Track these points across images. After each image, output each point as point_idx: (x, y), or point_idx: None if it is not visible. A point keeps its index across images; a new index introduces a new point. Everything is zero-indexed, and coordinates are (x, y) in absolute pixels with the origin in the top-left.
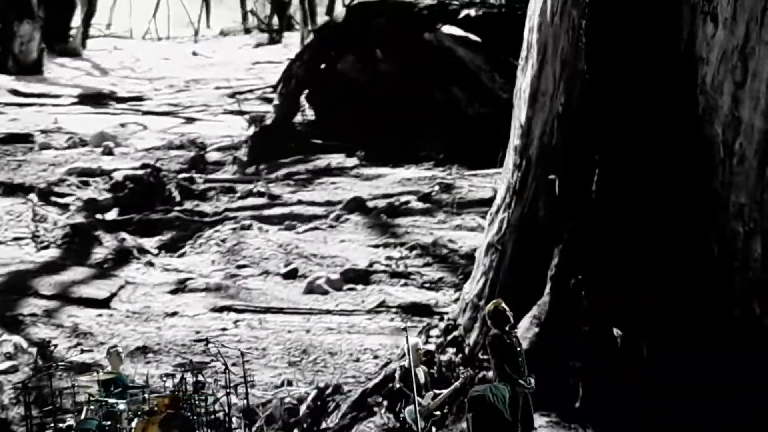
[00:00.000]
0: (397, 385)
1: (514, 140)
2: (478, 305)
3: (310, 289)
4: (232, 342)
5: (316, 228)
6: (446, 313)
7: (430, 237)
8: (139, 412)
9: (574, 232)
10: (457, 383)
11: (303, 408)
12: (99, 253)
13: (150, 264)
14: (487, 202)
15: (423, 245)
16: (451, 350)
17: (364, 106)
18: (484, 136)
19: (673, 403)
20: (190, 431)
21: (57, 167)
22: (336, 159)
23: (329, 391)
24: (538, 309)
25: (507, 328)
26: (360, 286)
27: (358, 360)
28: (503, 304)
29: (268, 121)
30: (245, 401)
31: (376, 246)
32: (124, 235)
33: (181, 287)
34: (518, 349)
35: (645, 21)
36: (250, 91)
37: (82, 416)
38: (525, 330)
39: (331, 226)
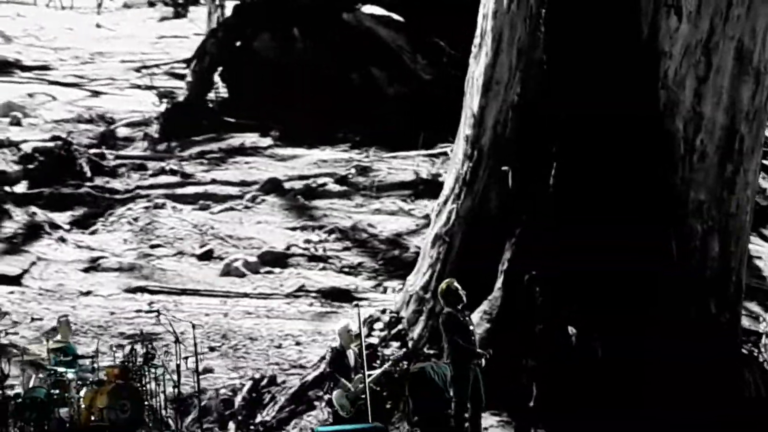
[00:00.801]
0: (328, 369)
1: (465, 130)
2: (423, 298)
3: (227, 272)
4: (148, 324)
5: (231, 209)
6: (366, 299)
7: (348, 221)
8: (89, 382)
9: (529, 226)
10: (386, 365)
11: (238, 400)
12: (8, 227)
13: (62, 240)
14: (407, 186)
15: (342, 229)
16: (395, 344)
17: (280, 85)
18: (403, 118)
19: (627, 401)
20: (140, 402)
21: None
22: (250, 138)
23: (264, 382)
24: (489, 304)
25: (459, 307)
26: (277, 270)
27: (279, 346)
28: (455, 283)
29: (180, 98)
30: (176, 390)
31: (294, 229)
32: (34, 209)
33: (93, 266)
34: (471, 328)
35: (606, 12)
36: (156, 65)
37: (30, 384)
38: (475, 326)
39: (247, 207)
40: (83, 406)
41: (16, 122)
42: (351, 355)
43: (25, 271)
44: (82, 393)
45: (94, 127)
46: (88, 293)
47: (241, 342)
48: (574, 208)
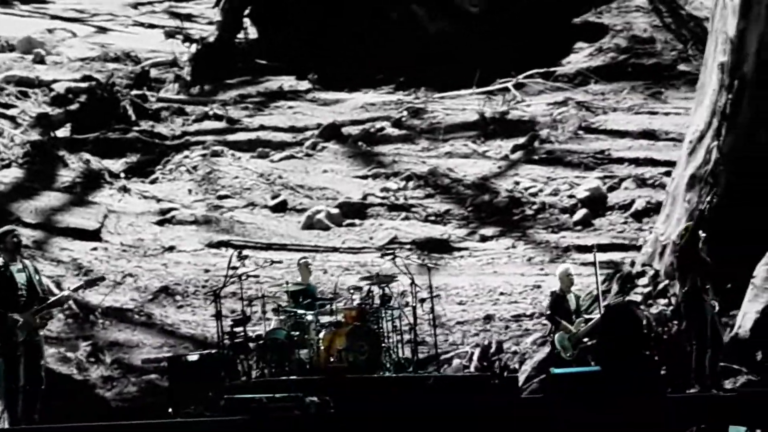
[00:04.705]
0: (547, 312)
1: (718, 57)
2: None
3: (310, 224)
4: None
5: (292, 156)
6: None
7: (423, 166)
8: (327, 324)
9: None
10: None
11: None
12: (65, 176)
13: (125, 190)
14: (473, 126)
15: (420, 175)
16: (662, 302)
17: (313, 25)
18: (447, 56)
19: None
20: (377, 343)
21: None
22: (287, 81)
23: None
24: None
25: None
26: (358, 221)
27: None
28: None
29: (211, 39)
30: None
31: (365, 177)
32: (87, 155)
33: (167, 218)
34: None
35: None
36: (151, 2)
37: (272, 326)
38: (762, 280)
39: (308, 155)
40: (322, 347)
41: (40, 60)
42: (572, 298)
43: (101, 225)
44: (321, 335)
45: (123, 66)
46: (171, 248)
47: None
48: None
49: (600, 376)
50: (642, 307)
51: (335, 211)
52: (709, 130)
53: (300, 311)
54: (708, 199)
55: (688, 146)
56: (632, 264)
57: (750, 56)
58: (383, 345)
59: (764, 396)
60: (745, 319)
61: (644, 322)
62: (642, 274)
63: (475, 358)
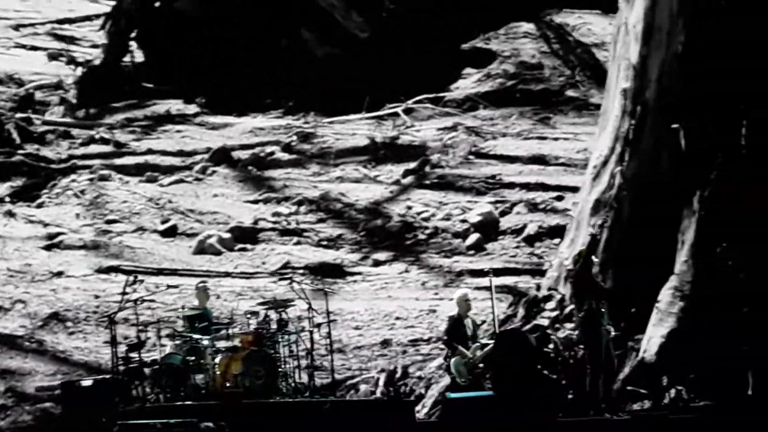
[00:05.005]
0: (444, 337)
1: (621, 83)
2: None
3: (201, 249)
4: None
5: (181, 180)
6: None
7: (315, 191)
8: (224, 348)
9: (713, 194)
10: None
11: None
12: None
13: (10, 214)
14: (363, 151)
15: (311, 199)
16: (568, 326)
17: (202, 49)
18: (337, 81)
19: None
20: (274, 368)
21: None
22: (174, 105)
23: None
24: (678, 280)
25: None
26: (249, 246)
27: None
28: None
29: (97, 62)
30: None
31: (256, 201)
32: None
33: (54, 242)
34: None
35: None
36: (32, 24)
37: (167, 351)
38: (667, 304)
39: (197, 179)
40: (218, 372)
41: None
42: (468, 323)
43: None
44: (217, 360)
45: (6, 89)
46: (60, 274)
47: None
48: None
49: (493, 400)
50: (549, 331)
51: (227, 235)
52: (613, 155)
53: (196, 336)
54: (600, 223)
55: (592, 171)
56: (538, 288)
57: (652, 83)
58: (280, 370)
59: (657, 419)
60: (650, 343)
61: (552, 346)
62: (548, 298)
63: (381, 383)
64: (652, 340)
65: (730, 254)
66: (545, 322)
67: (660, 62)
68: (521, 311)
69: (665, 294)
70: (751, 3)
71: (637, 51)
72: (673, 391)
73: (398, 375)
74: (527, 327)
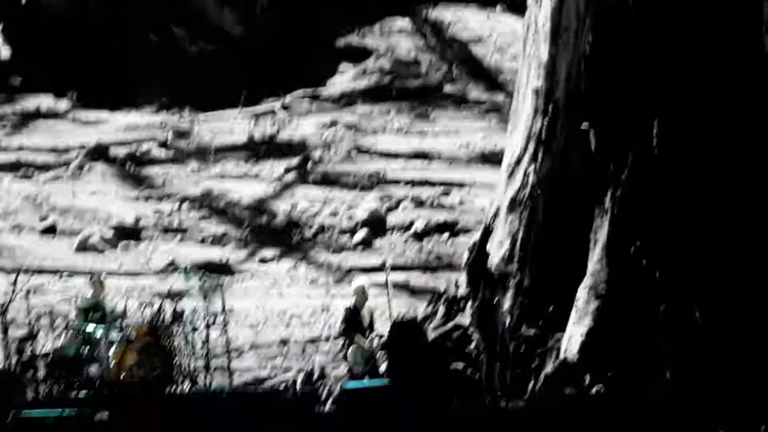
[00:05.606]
0: (342, 327)
1: (532, 81)
2: (505, 271)
3: (83, 247)
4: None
5: (57, 178)
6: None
7: (196, 188)
8: (118, 340)
9: (625, 193)
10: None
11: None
12: None
13: None
14: (243, 147)
15: (193, 197)
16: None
17: (71, 44)
18: (212, 77)
19: None
20: (169, 359)
21: None
22: (44, 101)
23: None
24: (593, 280)
25: None
26: (132, 243)
27: None
28: None
29: None
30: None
31: (137, 198)
32: None
33: None
34: None
35: None
36: None
37: (61, 342)
38: (584, 303)
39: (74, 177)
40: (113, 363)
41: None
42: (365, 314)
43: None
44: (111, 351)
45: None
46: None
47: None
48: (680, 168)
49: (389, 389)
50: (470, 330)
51: (109, 233)
52: (526, 154)
53: (90, 327)
54: (526, 223)
55: (507, 169)
56: (457, 286)
57: (561, 82)
58: (175, 361)
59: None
60: (571, 342)
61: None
62: (469, 296)
63: (299, 382)
64: (572, 338)
65: (645, 253)
66: (467, 320)
67: (568, 62)
68: (441, 310)
69: (582, 293)
70: (657, 1)
71: (547, 50)
72: (594, 390)
73: (316, 375)
74: (448, 327)
